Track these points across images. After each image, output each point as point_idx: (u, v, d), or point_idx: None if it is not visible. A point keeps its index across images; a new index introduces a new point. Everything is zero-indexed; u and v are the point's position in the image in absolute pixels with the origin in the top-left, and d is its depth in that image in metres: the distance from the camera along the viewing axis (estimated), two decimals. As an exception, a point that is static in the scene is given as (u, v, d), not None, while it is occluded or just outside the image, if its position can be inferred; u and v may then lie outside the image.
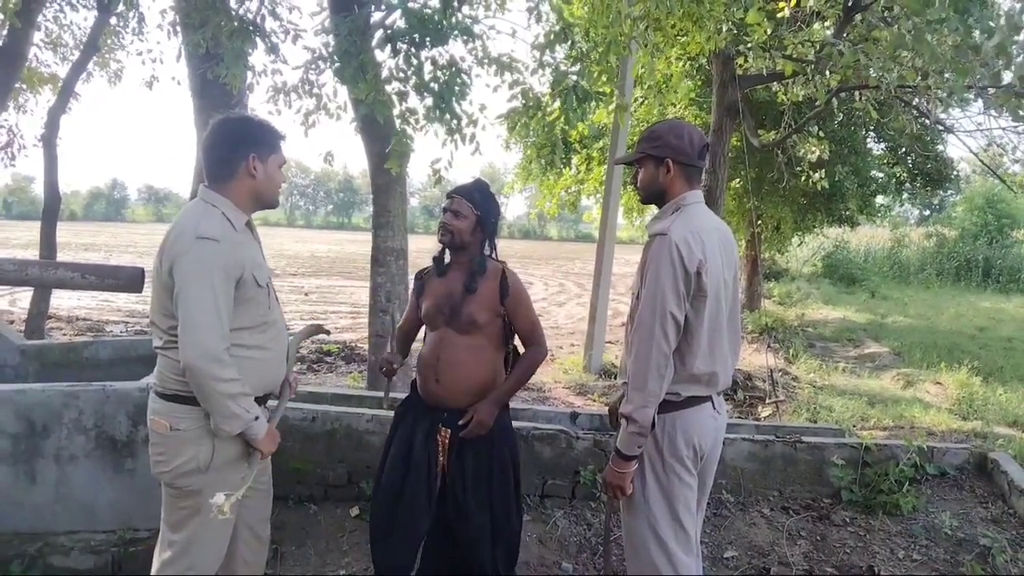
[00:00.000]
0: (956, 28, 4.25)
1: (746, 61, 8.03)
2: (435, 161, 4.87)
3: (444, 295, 2.68)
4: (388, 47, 4.48)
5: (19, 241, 27.09)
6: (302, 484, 3.83)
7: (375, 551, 2.66)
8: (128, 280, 3.71)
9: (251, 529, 2.48)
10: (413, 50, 4.53)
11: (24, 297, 10.59)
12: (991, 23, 4.24)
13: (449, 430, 2.65)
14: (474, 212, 2.66)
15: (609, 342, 9.37)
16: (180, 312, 2.08)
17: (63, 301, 11.64)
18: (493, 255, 2.79)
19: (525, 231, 67.88)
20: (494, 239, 2.78)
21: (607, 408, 2.84)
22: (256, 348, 2.27)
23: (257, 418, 2.20)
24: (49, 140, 7.76)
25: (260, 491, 2.47)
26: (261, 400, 2.34)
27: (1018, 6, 4.06)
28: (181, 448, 2.20)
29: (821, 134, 10.38)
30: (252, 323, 2.25)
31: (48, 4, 8.64)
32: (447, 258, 2.78)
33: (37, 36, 8.85)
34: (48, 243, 7.73)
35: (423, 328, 2.86)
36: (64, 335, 9.55)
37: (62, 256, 9.63)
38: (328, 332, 2.87)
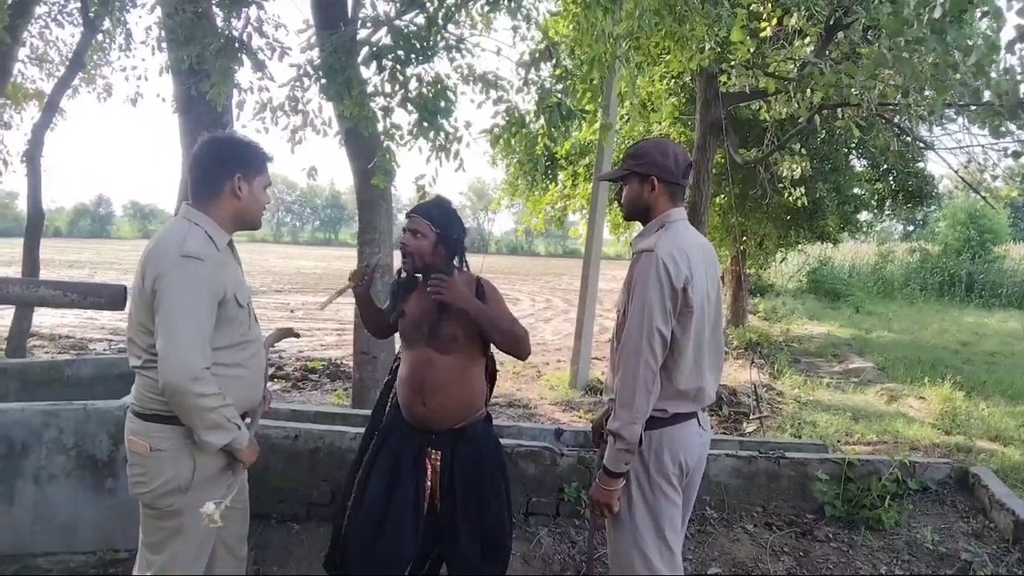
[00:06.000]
0: (934, 48, 4.31)
1: (729, 79, 8.12)
2: (419, 177, 4.87)
3: (420, 313, 2.60)
4: (374, 64, 4.50)
5: (1, 258, 26.80)
6: (284, 503, 3.80)
7: (352, 569, 2.59)
8: (111, 298, 3.71)
9: (228, 548, 2.46)
10: (399, 67, 4.55)
11: (6, 315, 10.49)
12: (968, 42, 4.31)
13: (439, 452, 2.61)
14: (433, 230, 2.58)
15: (596, 358, 9.38)
16: (161, 330, 2.06)
17: (46, 319, 11.52)
18: (464, 269, 2.72)
19: (512, 247, 67.95)
20: (463, 254, 2.71)
21: (591, 425, 2.84)
22: (236, 366, 2.26)
23: (240, 427, 2.20)
24: (33, 156, 7.71)
25: (237, 509, 2.45)
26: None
27: (994, 24, 4.13)
28: (161, 468, 2.18)
29: (803, 151, 10.48)
30: (232, 342, 2.24)
31: (34, 20, 8.62)
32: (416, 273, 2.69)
33: (22, 52, 8.83)
34: (31, 260, 7.67)
35: (398, 342, 2.78)
36: (47, 353, 9.46)
37: (46, 273, 9.56)
38: (298, 335, 2.82)
